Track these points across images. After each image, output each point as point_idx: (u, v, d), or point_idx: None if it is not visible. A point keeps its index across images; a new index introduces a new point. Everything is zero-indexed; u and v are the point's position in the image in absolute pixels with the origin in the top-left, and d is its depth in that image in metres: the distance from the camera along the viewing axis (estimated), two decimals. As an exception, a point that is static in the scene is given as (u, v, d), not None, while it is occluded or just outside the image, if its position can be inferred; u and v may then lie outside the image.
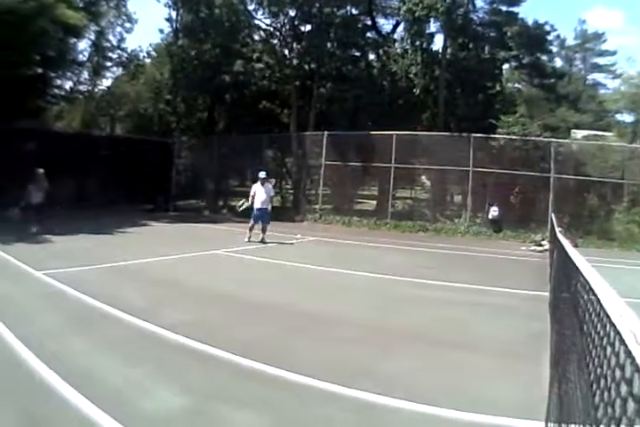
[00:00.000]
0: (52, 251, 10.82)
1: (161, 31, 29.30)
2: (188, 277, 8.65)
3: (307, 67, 22.48)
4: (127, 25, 28.75)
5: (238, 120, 24.26)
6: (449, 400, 3.92)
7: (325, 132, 20.57)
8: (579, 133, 21.90)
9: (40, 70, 21.44)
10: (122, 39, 28.51)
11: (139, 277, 8.49)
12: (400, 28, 22.71)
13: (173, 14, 26.10)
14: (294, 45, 22.40)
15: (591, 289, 1.90)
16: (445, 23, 20.72)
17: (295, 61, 22.32)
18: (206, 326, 5.78)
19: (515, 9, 22.42)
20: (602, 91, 32.06)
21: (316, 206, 20.96)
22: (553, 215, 14.74)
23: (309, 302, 7.32)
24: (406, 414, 3.77)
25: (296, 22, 22.57)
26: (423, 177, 20.59)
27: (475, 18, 21.67)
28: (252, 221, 13.48)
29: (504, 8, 21.98)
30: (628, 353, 1.10)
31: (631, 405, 1.00)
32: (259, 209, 13.40)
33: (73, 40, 22.93)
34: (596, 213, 19.68)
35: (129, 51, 28.78)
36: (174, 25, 25.80)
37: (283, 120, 24.73)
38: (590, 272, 2.40)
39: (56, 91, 25.33)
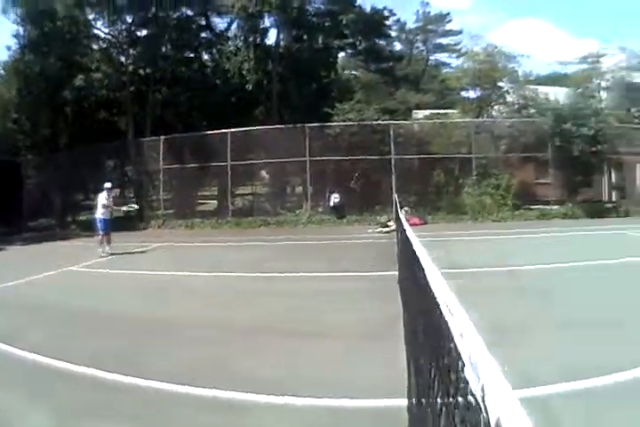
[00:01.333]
0: None
1: (8, 48, 27.91)
2: (40, 298, 7.97)
3: (142, 72, 21.66)
4: None
5: (80, 133, 23.15)
6: (308, 389, 3.85)
7: (162, 137, 19.99)
8: (420, 113, 21.61)
9: None
10: None
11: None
12: (235, 26, 22.14)
13: (21, 30, 25.04)
14: (130, 51, 21.56)
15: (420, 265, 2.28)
16: (279, 17, 20.22)
17: (131, 67, 21.47)
18: (57, 342, 5.41)
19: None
20: (445, 70, 32.60)
21: (159, 212, 20.32)
22: (396, 196, 14.67)
23: (161, 308, 7.05)
24: (265, 407, 3.70)
25: (133, 28, 21.78)
26: (263, 171, 19.81)
27: (310, 9, 21.19)
28: (100, 233, 12.73)
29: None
30: (446, 324, 1.29)
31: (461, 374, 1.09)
32: (104, 220, 12.75)
33: None
34: (444, 189, 19.50)
35: None
36: (22, 41, 24.75)
37: (122, 128, 23.81)
38: (419, 249, 2.78)
39: None
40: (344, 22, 20.40)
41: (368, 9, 21.78)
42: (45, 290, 8.71)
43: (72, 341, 5.47)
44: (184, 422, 3.57)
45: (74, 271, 10.49)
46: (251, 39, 20.30)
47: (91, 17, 23.11)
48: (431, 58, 38.73)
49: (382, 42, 23.00)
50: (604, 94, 22.44)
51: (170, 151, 19.91)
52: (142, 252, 13.25)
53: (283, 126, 18.89)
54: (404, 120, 19.35)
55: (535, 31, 68.88)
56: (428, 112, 22.78)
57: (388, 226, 15.14)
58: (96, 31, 22.98)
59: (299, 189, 20.44)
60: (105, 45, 23.11)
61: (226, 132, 18.63)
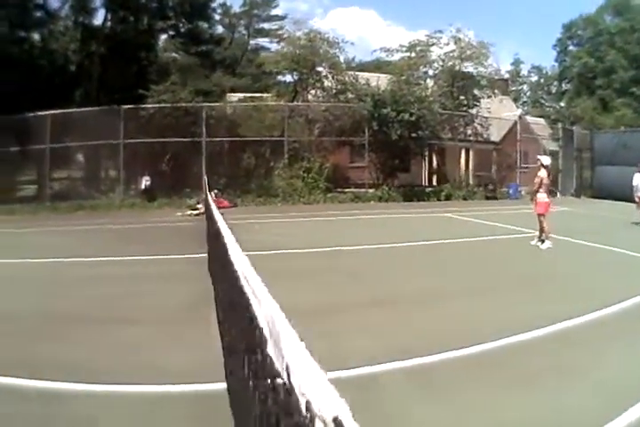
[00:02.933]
0: None
1: None
2: None
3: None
4: None
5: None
6: (122, 376, 3.78)
7: None
8: (234, 97, 22.10)
9: None
10: None
11: None
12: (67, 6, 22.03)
13: None
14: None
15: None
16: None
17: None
18: None
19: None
20: (263, 54, 33.08)
21: None
22: (206, 178, 14.78)
23: None
24: (88, 396, 3.55)
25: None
26: (79, 155, 19.99)
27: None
28: None
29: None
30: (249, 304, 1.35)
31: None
32: None
33: None
34: (255, 172, 20.01)
35: None
36: None
37: None
38: (224, 231, 2.93)
39: None
40: (170, 4, 20.68)
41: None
42: None
43: None
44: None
45: None
46: (81, 19, 20.31)
47: None
48: (251, 42, 39.34)
49: (205, 25, 23.47)
50: (430, 82, 23.35)
51: None
52: None
53: (99, 108, 18.92)
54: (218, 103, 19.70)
55: (361, 20, 70.45)
56: (242, 95, 23.26)
57: (197, 208, 15.53)
58: None
59: (112, 173, 20.63)
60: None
61: (45, 115, 18.39)
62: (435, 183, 23.23)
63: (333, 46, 21.11)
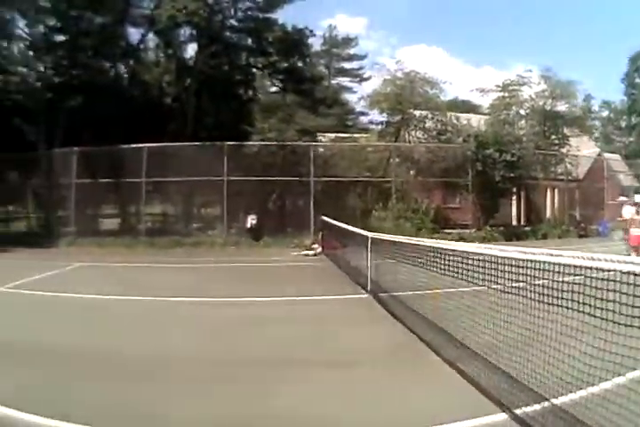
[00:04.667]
0: None
1: None
2: None
3: (57, 79, 20.85)
4: None
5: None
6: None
7: (75, 148, 19.12)
8: (324, 136, 21.84)
9: None
10: None
11: None
12: (149, 36, 21.75)
13: None
14: (50, 56, 20.83)
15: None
16: (202, 30, 19.94)
17: (51, 71, 20.65)
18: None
19: (272, 15, 22.02)
20: (347, 94, 32.87)
21: (69, 229, 19.22)
22: (325, 218, 14.88)
23: (101, 338, 6.02)
24: None
25: (51, 32, 21.09)
26: (176, 190, 19.50)
27: (232, 24, 21.04)
28: None
29: (260, 15, 21.48)
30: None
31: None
32: None
33: None
34: (361, 212, 19.71)
35: None
36: None
37: (30, 138, 22.82)
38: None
39: None
40: (270, 40, 20.30)
41: (289, 28, 21.64)
42: None
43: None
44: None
45: (3, 293, 9.39)
46: (170, 51, 19.87)
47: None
48: (332, 82, 38.81)
49: (300, 62, 23.08)
50: (522, 122, 23.24)
51: (83, 164, 19.04)
52: (66, 272, 12.27)
53: (201, 143, 18.56)
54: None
55: (429, 58, 71.04)
56: (332, 135, 23.14)
57: (312, 248, 15.26)
58: (19, 31, 22.02)
59: (212, 210, 20.17)
60: (24, 47, 22.16)
61: (142, 147, 18.18)
62: (523, 222, 23.09)
63: (433, 86, 20.85)
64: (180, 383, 4.28)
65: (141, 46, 21.92)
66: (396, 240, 7.60)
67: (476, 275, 4.58)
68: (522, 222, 23.22)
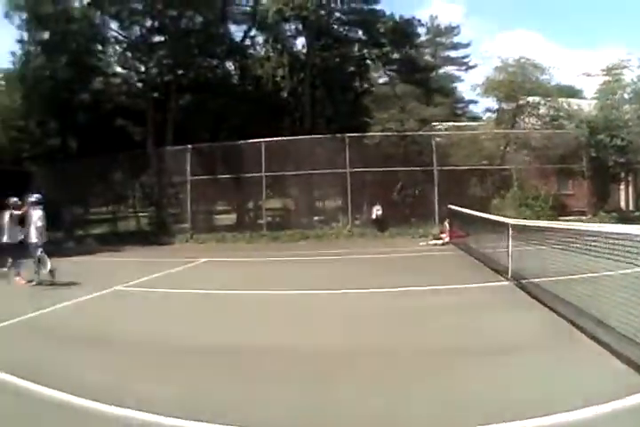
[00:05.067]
0: None
1: (12, 54, 26.88)
2: (97, 325, 6.65)
3: (163, 78, 20.84)
4: None
5: (92, 141, 22.05)
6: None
7: (189, 146, 19.24)
8: (440, 125, 21.67)
9: None
10: None
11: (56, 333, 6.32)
12: (252, 33, 21.77)
13: (25, 36, 24.12)
14: (151, 56, 20.78)
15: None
16: (310, 24, 19.85)
17: (154, 71, 20.62)
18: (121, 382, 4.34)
19: (376, 6, 21.94)
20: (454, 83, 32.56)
21: (186, 225, 19.65)
22: (453, 206, 14.85)
23: (270, 334, 5.90)
24: None
25: (150, 33, 21.16)
26: (296, 183, 19.37)
27: (337, 17, 20.97)
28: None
29: (365, 6, 21.46)
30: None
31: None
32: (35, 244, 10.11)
33: None
34: (482, 201, 19.39)
35: None
36: (26, 47, 23.81)
37: (135, 137, 22.83)
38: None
39: None
40: (381, 31, 20.19)
41: (397, 18, 21.56)
42: (101, 314, 7.56)
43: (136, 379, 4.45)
44: None
45: (126, 292, 9.38)
46: (279, 46, 19.81)
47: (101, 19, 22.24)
48: (440, 71, 38.34)
49: (413, 52, 22.84)
50: (626, 106, 22.94)
51: (197, 161, 19.36)
52: (192, 268, 12.45)
53: (321, 136, 18.58)
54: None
55: (529, 43, 70.24)
56: (447, 124, 22.94)
57: (441, 238, 15.27)
58: (113, 33, 22.17)
59: (333, 202, 20.02)
60: (121, 49, 22.18)
61: (259, 142, 18.18)
62: (632, 207, 22.76)
63: (542, 72, 20.60)
64: (363, 380, 4.12)
65: (246, 42, 22.11)
66: (547, 226, 7.57)
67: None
68: (630, 208, 22.89)
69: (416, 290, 8.06)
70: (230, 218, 21.85)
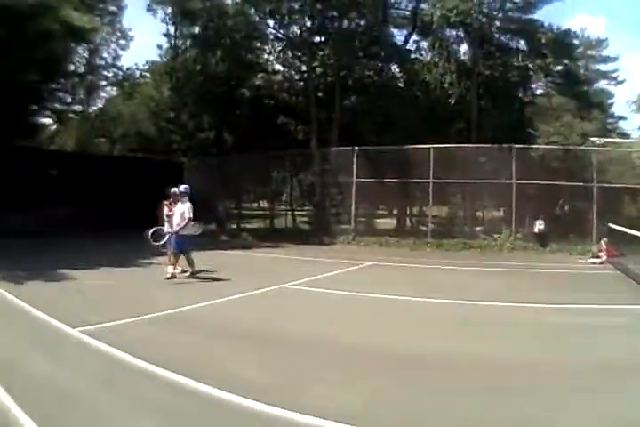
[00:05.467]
0: (80, 293, 8.78)
1: (159, 47, 28.12)
2: (270, 324, 6.87)
3: (327, 79, 21.52)
4: (122, 42, 27.25)
5: (250, 137, 22.93)
6: None
7: (356, 148, 19.77)
8: (598, 141, 21.90)
9: (37, 79, 19.85)
10: (117, 57, 26.99)
11: (220, 329, 6.62)
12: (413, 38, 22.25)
13: (172, 30, 25.26)
14: (313, 56, 21.42)
15: None
16: (474, 31, 20.28)
17: (318, 70, 21.28)
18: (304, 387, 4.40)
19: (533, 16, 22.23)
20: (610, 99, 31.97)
21: (348, 227, 20.10)
22: (612, 225, 14.79)
23: (449, 345, 5.88)
24: None
25: (310, 33, 21.78)
26: (459, 192, 19.92)
27: (497, 25, 21.34)
28: (173, 252, 10.31)
29: (522, 16, 21.76)
30: None
31: None
32: (181, 235, 10.07)
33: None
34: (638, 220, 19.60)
35: (124, 69, 27.20)
36: (173, 40, 24.87)
37: (296, 136, 23.63)
38: None
39: (55, 105, 23.64)
40: (542, 41, 20.60)
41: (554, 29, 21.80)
42: (265, 310, 7.82)
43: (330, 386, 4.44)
44: None
45: (291, 290, 9.49)
46: (444, 53, 20.36)
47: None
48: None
49: (572, 64, 23.09)
50: None
51: (363, 163, 19.77)
52: (361, 271, 12.66)
53: (487, 146, 18.84)
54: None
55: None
56: (603, 140, 22.86)
57: (599, 257, 15.32)
58: (271, 31, 22.90)
59: (495, 213, 20.53)
60: (280, 47, 22.92)
61: (428, 148, 18.54)
62: None
63: None
64: (553, 393, 4.18)
65: (408, 46, 22.72)
66: None
67: None
68: None
69: (587, 308, 8.00)
70: (389, 222, 22.51)
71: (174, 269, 10.08)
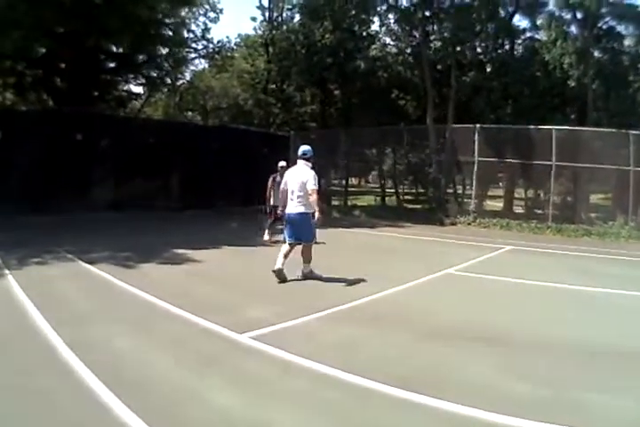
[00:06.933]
0: (218, 280, 8.20)
1: (253, 19, 27.77)
2: (479, 319, 6.24)
3: (441, 54, 21.37)
4: (211, 15, 26.36)
5: (359, 111, 22.80)
6: None
7: (477, 125, 19.78)
8: None
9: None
10: (206, 29, 26.19)
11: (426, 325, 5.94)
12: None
13: (265, 2, 24.85)
14: (426, 31, 21.14)
15: None
16: (586, 12, 20.32)
17: (433, 45, 21.04)
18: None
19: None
20: None
21: (469, 208, 20.31)
22: None
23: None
24: None
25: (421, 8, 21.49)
26: (578, 176, 20.22)
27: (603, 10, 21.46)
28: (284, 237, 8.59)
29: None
30: None
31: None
32: (293, 214, 8.22)
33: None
34: None
35: (215, 42, 26.46)
36: (267, 13, 24.51)
37: (410, 112, 23.54)
38: None
39: (152, 73, 23.10)
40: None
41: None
42: (456, 300, 7.33)
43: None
44: None
45: (457, 276, 9.08)
46: (561, 34, 20.45)
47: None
48: None
49: None
50: None
51: (484, 142, 19.72)
52: (505, 254, 12.37)
53: (605, 130, 18.93)
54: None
55: None
56: None
57: None
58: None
59: (609, 199, 20.64)
60: (393, 20, 22.50)
61: (550, 129, 18.73)
62: None
63: None
64: None
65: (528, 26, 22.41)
66: None
67: None
68: None
69: None
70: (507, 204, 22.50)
71: (306, 266, 8.27)
